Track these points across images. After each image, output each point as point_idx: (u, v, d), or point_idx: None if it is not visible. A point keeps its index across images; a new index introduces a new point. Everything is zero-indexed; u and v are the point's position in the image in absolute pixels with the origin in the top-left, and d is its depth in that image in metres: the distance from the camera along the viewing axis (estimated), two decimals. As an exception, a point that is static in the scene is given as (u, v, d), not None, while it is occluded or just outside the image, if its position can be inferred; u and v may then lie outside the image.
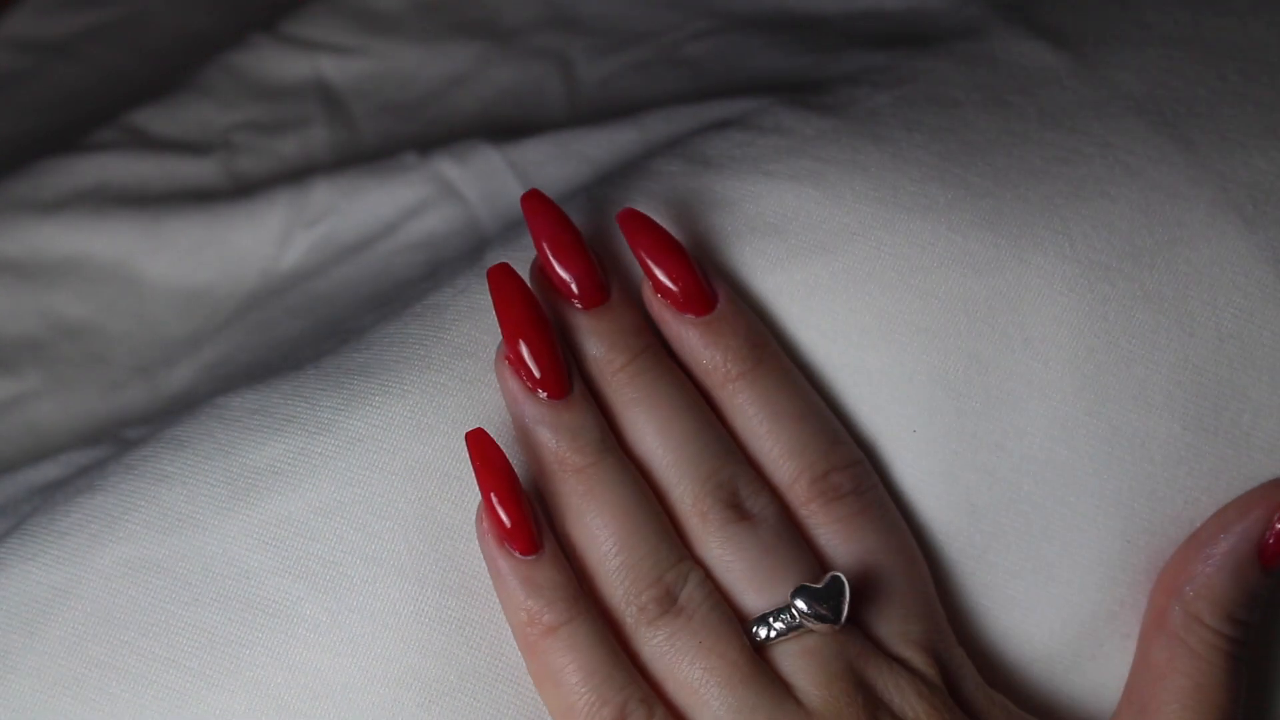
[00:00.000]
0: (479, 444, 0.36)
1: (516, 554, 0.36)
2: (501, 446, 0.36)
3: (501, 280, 0.38)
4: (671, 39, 0.57)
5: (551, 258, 0.38)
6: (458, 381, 0.39)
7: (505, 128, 0.55)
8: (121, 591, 0.37)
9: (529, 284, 0.38)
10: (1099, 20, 0.45)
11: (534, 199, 0.39)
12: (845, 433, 0.39)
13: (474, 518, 0.37)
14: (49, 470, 0.44)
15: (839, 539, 0.37)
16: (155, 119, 0.58)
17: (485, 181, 0.52)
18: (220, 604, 0.37)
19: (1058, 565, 0.39)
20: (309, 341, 0.45)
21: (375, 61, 0.60)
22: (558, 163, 0.51)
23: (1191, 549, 0.38)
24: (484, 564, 0.37)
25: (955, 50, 0.46)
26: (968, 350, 0.39)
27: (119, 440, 0.44)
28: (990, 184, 0.40)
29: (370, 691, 0.36)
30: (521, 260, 0.41)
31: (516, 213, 0.50)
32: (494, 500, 0.36)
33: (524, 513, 0.36)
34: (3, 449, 0.50)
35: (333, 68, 0.60)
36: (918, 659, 0.37)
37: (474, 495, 0.38)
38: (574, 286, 0.38)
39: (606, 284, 0.39)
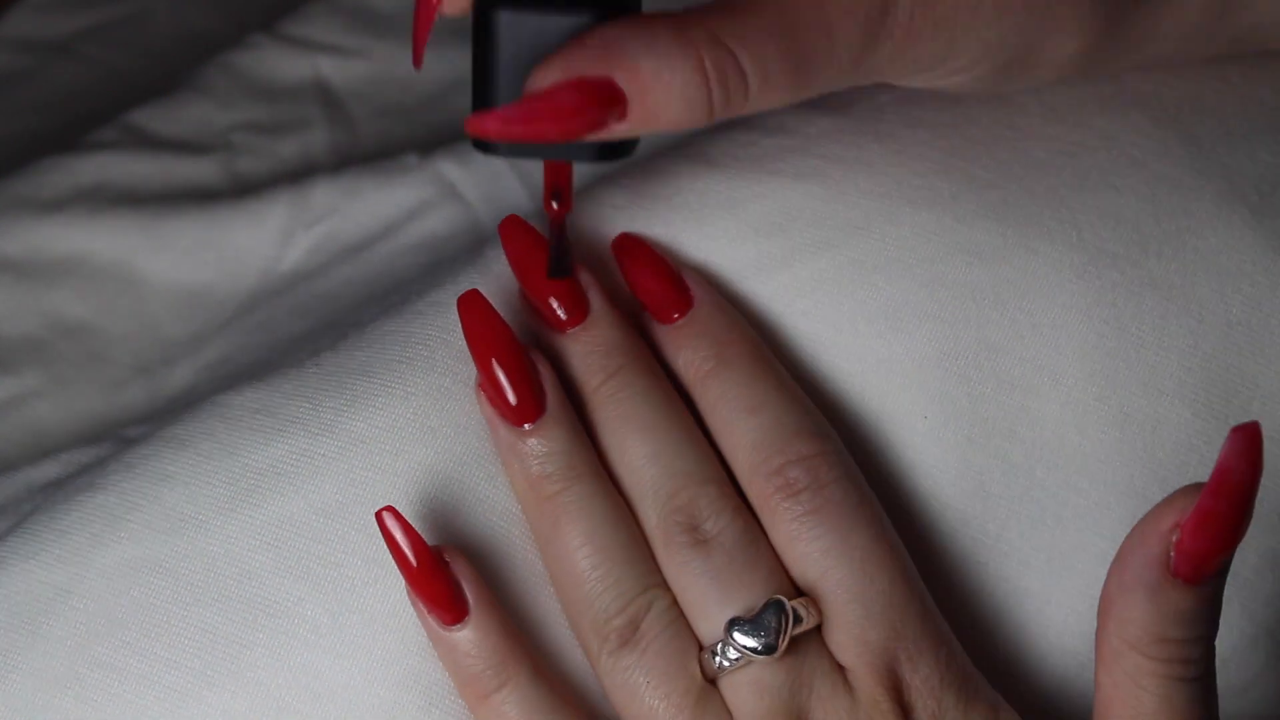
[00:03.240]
0: (390, 521, 0.36)
1: (434, 620, 0.36)
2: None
3: (470, 307, 0.38)
4: None
5: (526, 282, 0.39)
6: (462, 386, 0.39)
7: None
8: (123, 591, 0.37)
9: (498, 308, 0.38)
10: None
11: (511, 224, 0.39)
12: (810, 421, 0.38)
13: (478, 519, 0.38)
14: (49, 469, 0.44)
15: (797, 540, 0.37)
16: (155, 119, 0.58)
17: (487, 183, 0.53)
18: (222, 604, 0.37)
19: (1071, 555, 0.39)
20: (310, 341, 0.45)
21: (375, 64, 0.60)
22: (558, 164, 0.51)
23: (1111, 575, 0.35)
24: (486, 566, 0.37)
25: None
26: (977, 337, 0.39)
27: (119, 439, 0.44)
28: (995, 176, 0.40)
29: (371, 693, 0.36)
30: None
31: (518, 213, 0.50)
32: (414, 576, 0.36)
33: (444, 585, 0.36)
34: (2, 449, 0.50)
35: (332, 69, 0.60)
36: (866, 675, 0.36)
37: (477, 497, 0.38)
38: (553, 307, 0.39)
39: (584, 302, 0.39)
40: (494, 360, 0.37)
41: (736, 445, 0.38)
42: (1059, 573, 0.39)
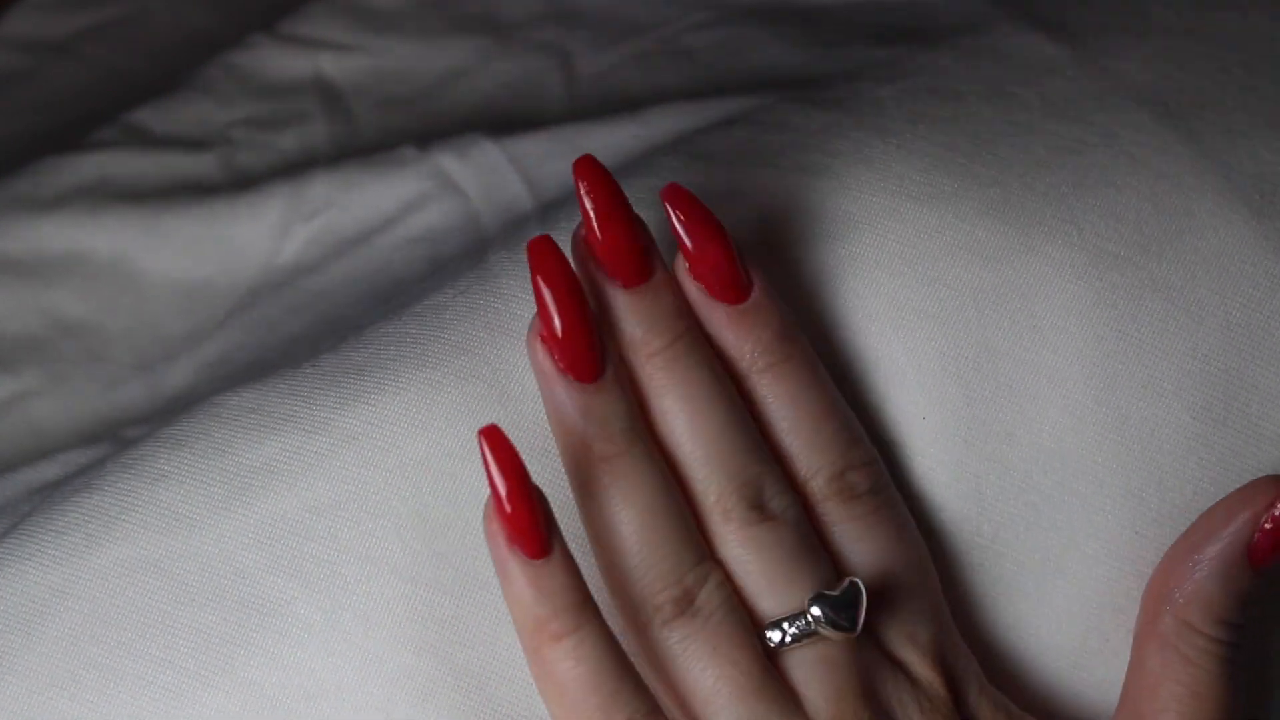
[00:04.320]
0: (492, 441, 0.34)
1: (516, 552, 0.34)
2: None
3: (542, 253, 0.36)
4: (671, 30, 0.57)
5: (597, 228, 0.36)
6: (454, 378, 0.38)
7: (505, 122, 0.55)
8: (119, 591, 0.37)
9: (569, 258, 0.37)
10: (1102, 13, 0.46)
11: (587, 164, 0.37)
12: (863, 432, 0.38)
13: (469, 514, 0.37)
14: (47, 470, 0.44)
15: (854, 539, 0.37)
16: (155, 118, 0.58)
17: (485, 175, 0.52)
18: (216, 604, 0.37)
19: (1065, 557, 0.38)
20: (308, 340, 0.45)
21: (374, 58, 0.60)
22: (558, 157, 0.51)
23: (1180, 553, 0.37)
24: (477, 561, 0.37)
25: (958, 44, 0.46)
26: (977, 338, 0.39)
27: (118, 439, 0.44)
28: (996, 173, 0.40)
29: (365, 691, 0.36)
30: (523, 261, 0.41)
31: (517, 207, 0.50)
32: (504, 500, 0.34)
33: (534, 515, 0.34)
34: (2, 448, 0.50)
35: (332, 64, 0.60)
36: (922, 666, 0.36)
37: (468, 491, 0.37)
38: (617, 260, 0.37)
39: (651, 262, 0.37)
40: (560, 313, 0.35)
41: (796, 445, 0.37)
42: (1054, 575, 0.39)
